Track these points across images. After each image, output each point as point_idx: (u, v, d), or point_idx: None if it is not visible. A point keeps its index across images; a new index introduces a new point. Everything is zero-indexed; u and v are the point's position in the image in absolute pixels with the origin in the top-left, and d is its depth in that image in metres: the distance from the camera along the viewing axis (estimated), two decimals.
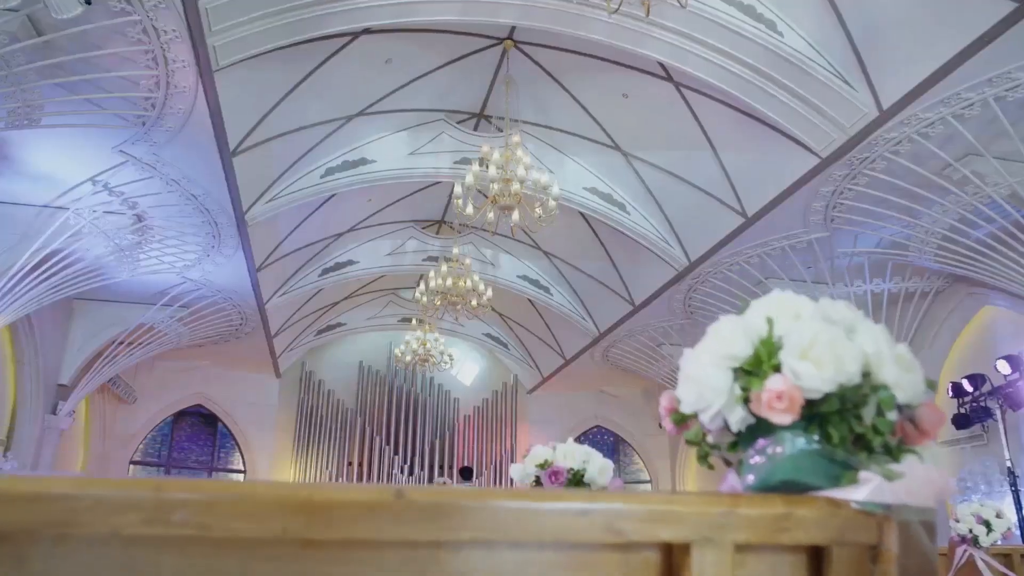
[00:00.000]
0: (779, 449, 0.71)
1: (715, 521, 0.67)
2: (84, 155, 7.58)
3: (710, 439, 0.81)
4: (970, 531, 3.54)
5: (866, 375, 0.69)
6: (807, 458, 0.69)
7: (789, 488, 0.70)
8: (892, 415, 0.68)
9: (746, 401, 0.72)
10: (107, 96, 6.57)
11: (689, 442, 0.82)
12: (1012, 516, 6.30)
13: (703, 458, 0.83)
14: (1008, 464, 8.03)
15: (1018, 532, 7.46)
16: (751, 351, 0.73)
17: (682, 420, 0.79)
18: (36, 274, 8.76)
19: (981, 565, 3.50)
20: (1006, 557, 3.70)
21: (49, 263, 8.81)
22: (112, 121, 6.95)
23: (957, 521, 3.62)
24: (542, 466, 1.61)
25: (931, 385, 0.72)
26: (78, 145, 7.38)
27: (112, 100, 6.66)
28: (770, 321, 0.72)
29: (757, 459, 0.72)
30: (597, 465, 1.60)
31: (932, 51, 6.06)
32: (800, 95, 7.06)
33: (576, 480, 1.60)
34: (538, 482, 1.63)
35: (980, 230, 7.76)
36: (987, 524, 3.52)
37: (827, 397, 0.68)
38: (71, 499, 0.54)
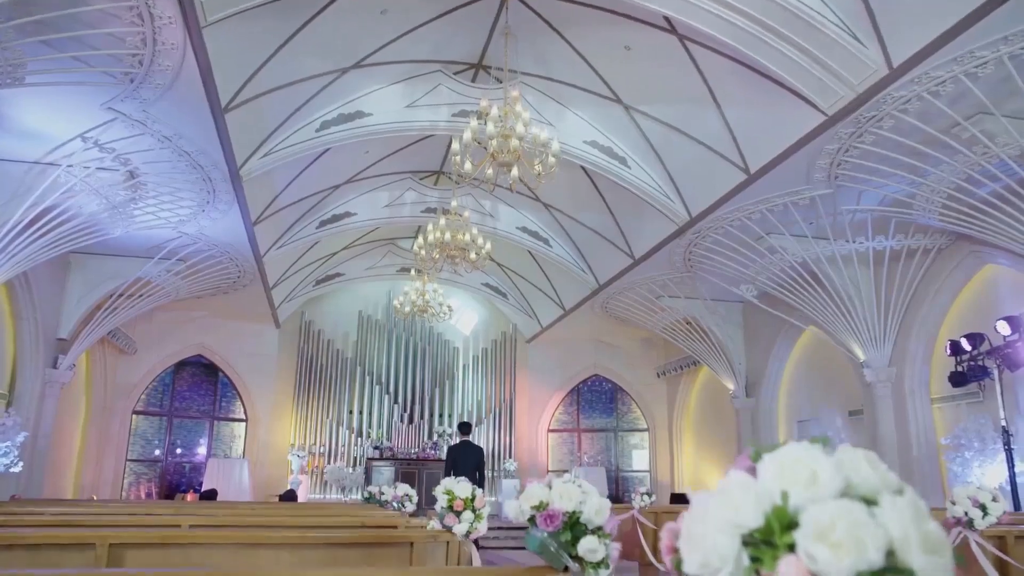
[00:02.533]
0: None
1: None
2: (73, 112, 7.40)
3: None
4: (965, 514, 3.55)
5: (890, 553, 0.63)
6: None
7: None
8: None
9: (756, 572, 0.67)
10: (92, 53, 6.36)
11: None
12: (1006, 499, 6.37)
13: None
14: (1003, 423, 8.09)
15: (1011, 503, 7.56)
16: (762, 521, 0.67)
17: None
18: (30, 231, 8.66)
19: (975, 547, 3.52)
20: (1000, 539, 3.73)
21: (43, 220, 8.70)
22: (99, 78, 6.76)
23: (953, 503, 3.63)
24: (538, 507, 1.57)
25: (959, 559, 0.66)
26: (66, 102, 7.20)
27: (98, 57, 6.45)
28: (785, 495, 0.66)
29: None
30: (594, 506, 1.56)
31: (947, 7, 5.84)
32: (808, 51, 6.83)
33: (572, 522, 1.56)
34: (533, 522, 1.60)
35: (984, 188, 7.64)
36: (983, 507, 3.53)
37: None
38: None
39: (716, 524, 0.68)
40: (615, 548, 1.58)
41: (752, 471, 0.72)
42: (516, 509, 1.60)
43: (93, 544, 2.65)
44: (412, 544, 3.00)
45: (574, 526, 1.55)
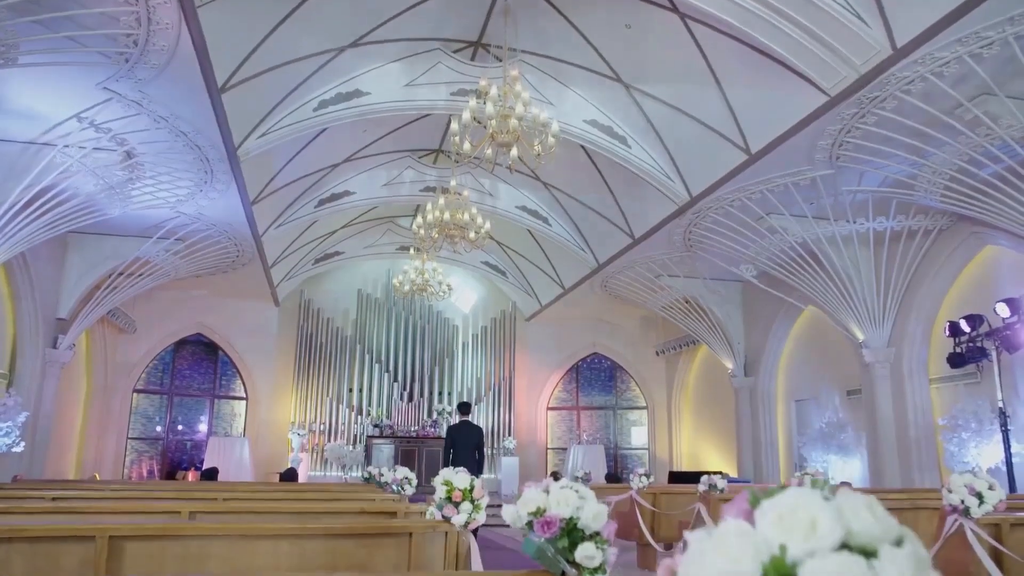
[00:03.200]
0: None
1: None
2: (68, 92, 7.32)
3: None
4: (962, 502, 3.57)
5: None
6: None
7: None
8: None
9: None
10: (87, 33, 6.28)
11: None
12: (1001, 480, 6.41)
13: None
14: (1000, 405, 8.11)
15: (1007, 484, 7.60)
16: (760, 572, 0.66)
17: None
18: (28, 212, 8.62)
19: (970, 535, 3.54)
20: (995, 527, 3.75)
21: (40, 200, 8.66)
22: (94, 58, 6.67)
23: (949, 491, 3.64)
24: (535, 514, 1.57)
25: None
26: (61, 82, 7.12)
27: (92, 37, 6.37)
28: (783, 548, 0.65)
29: None
30: (591, 512, 1.56)
31: None
32: (811, 31, 6.75)
33: (570, 528, 1.57)
34: (530, 527, 1.60)
35: (986, 169, 7.60)
36: (979, 496, 3.55)
37: None
38: None
39: (712, 572, 0.67)
40: (612, 553, 1.58)
41: (750, 517, 0.71)
42: (513, 515, 1.60)
43: (93, 536, 2.67)
44: (411, 535, 3.02)
45: (571, 532, 1.56)
